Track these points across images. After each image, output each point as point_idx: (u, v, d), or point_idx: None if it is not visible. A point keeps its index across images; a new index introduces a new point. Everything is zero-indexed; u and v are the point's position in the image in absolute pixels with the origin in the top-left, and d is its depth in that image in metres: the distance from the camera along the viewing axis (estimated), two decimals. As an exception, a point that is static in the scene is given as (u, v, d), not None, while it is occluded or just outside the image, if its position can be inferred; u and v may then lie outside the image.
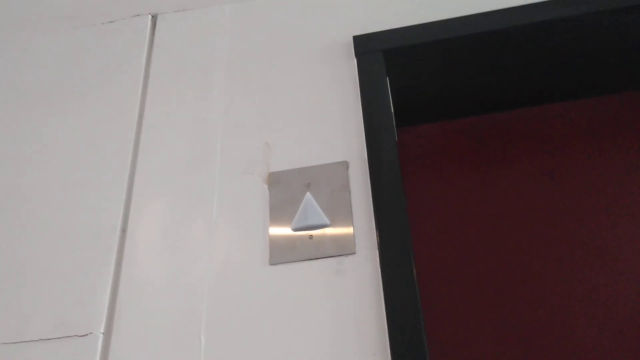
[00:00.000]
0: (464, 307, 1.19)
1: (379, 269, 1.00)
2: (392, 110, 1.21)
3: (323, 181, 1.12)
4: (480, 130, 1.39)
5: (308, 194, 1.11)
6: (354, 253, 1.03)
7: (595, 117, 1.37)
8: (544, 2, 1.24)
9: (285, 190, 1.13)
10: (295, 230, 1.08)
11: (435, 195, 1.33)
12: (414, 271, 0.98)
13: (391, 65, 1.24)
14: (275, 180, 1.14)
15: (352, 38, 1.27)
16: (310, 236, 1.07)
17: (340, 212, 1.08)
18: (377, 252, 1.02)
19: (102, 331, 1.02)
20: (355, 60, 1.25)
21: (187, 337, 1.00)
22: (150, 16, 1.42)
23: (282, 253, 1.06)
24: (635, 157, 1.31)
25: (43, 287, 1.08)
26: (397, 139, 1.27)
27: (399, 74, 1.26)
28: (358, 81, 1.22)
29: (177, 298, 1.04)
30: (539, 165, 1.33)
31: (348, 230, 1.06)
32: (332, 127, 1.19)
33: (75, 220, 1.15)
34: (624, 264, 1.19)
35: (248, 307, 1.02)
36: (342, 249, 1.04)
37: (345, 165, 1.13)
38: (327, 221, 1.07)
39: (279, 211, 1.11)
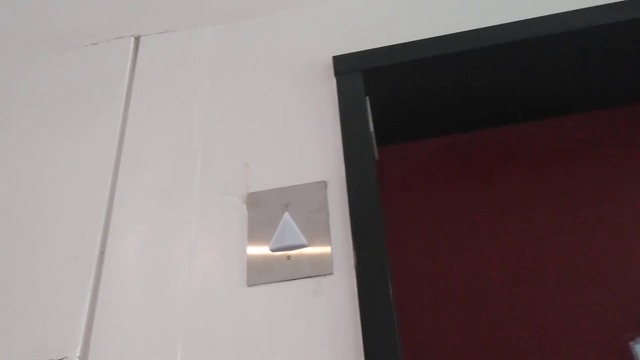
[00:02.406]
0: (442, 328, 1.18)
1: (356, 290, 0.99)
2: (372, 130, 1.21)
3: (301, 201, 1.12)
4: (462, 149, 1.39)
5: (286, 214, 1.11)
6: (332, 273, 1.03)
7: (576, 134, 1.38)
8: (522, 20, 1.25)
9: (264, 211, 1.13)
10: (273, 250, 1.07)
11: (417, 214, 1.33)
12: (391, 292, 0.98)
13: (371, 84, 1.25)
14: (254, 201, 1.14)
15: (331, 58, 1.28)
16: (288, 257, 1.07)
17: (318, 232, 1.08)
18: (354, 272, 1.01)
19: (77, 355, 1.01)
20: (335, 80, 1.26)
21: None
22: (133, 38, 1.43)
23: (259, 274, 1.05)
24: (617, 174, 1.31)
25: (18, 310, 1.08)
26: (377, 158, 1.28)
27: (378, 93, 1.27)
28: (337, 101, 1.23)
29: (154, 321, 1.04)
30: (521, 183, 1.33)
31: (326, 250, 1.06)
32: (311, 147, 1.19)
33: (54, 243, 1.15)
34: (606, 281, 1.19)
35: (225, 329, 1.01)
36: (319, 269, 1.04)
37: (323, 185, 1.13)
38: (305, 241, 1.07)
39: (258, 231, 1.10)
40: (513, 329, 1.17)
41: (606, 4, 1.22)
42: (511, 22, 1.25)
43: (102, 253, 1.13)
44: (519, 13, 1.26)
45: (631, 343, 1.11)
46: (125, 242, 1.14)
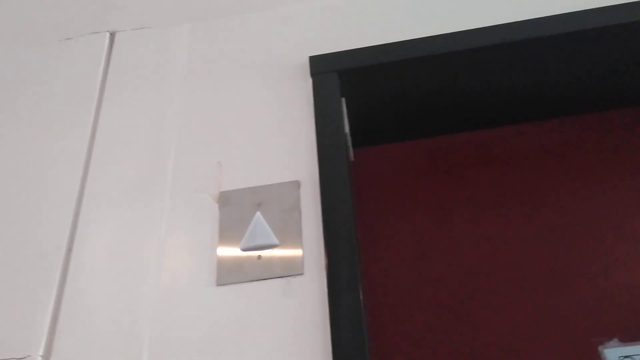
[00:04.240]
0: (414, 331, 1.18)
1: (326, 291, 0.99)
2: (347, 131, 1.21)
3: (274, 201, 1.11)
4: (438, 152, 1.39)
5: (258, 214, 1.09)
6: (302, 274, 1.02)
7: (554, 138, 1.38)
8: (499, 25, 1.26)
9: (235, 210, 1.11)
10: (243, 250, 1.06)
11: (392, 216, 1.33)
12: (361, 293, 0.97)
13: (347, 85, 1.25)
14: (225, 200, 1.13)
15: (308, 58, 1.28)
16: (259, 256, 1.05)
17: (290, 232, 1.07)
18: (325, 273, 1.01)
19: (40, 354, 0.99)
20: (311, 81, 1.25)
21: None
22: (108, 34, 1.41)
23: (229, 273, 1.04)
24: (591, 180, 1.32)
25: (-19, 308, 1.05)
26: (352, 160, 1.28)
27: (355, 94, 1.27)
28: (313, 101, 1.22)
29: (120, 320, 1.02)
30: (495, 187, 1.33)
31: (297, 250, 1.05)
32: (285, 147, 1.18)
33: (20, 239, 1.12)
34: (577, 285, 1.19)
35: (193, 329, 1.00)
36: (290, 269, 1.03)
37: (297, 184, 1.12)
38: (276, 241, 1.06)
39: (229, 231, 1.09)
40: (484, 333, 1.17)
41: (579, 11, 1.23)
42: (487, 27, 1.26)
43: (69, 250, 1.10)
44: (495, 17, 1.27)
45: (600, 347, 1.12)
46: (94, 239, 1.12)
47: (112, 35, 1.42)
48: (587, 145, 1.35)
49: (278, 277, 1.02)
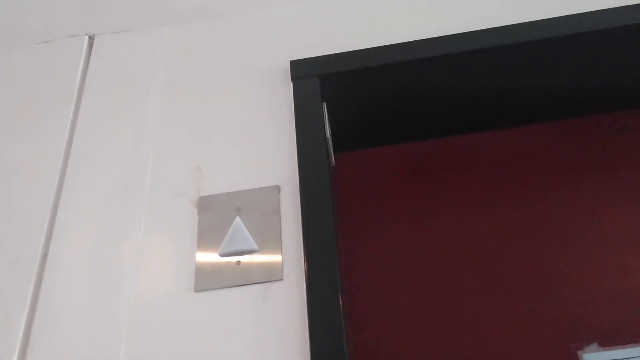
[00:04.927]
0: (394, 336, 1.17)
1: (306, 296, 0.98)
2: (328, 135, 1.20)
3: (254, 206, 1.10)
4: (419, 156, 1.39)
5: (237, 219, 1.08)
6: (281, 279, 1.01)
7: (538, 142, 1.39)
8: (481, 30, 1.26)
9: (215, 215, 1.10)
10: (222, 255, 1.05)
11: (373, 221, 1.32)
12: (340, 299, 0.96)
13: (328, 90, 1.24)
14: (205, 205, 1.12)
15: (289, 63, 1.27)
16: (238, 262, 1.04)
17: (269, 238, 1.06)
18: (304, 279, 1.00)
19: (14, 361, 0.97)
20: (292, 85, 1.25)
21: (103, 367, 0.96)
22: (87, 37, 1.39)
23: (207, 279, 1.03)
24: (573, 184, 1.33)
25: (-48, 315, 1.03)
26: (333, 164, 1.27)
27: (336, 99, 1.26)
28: (293, 106, 1.21)
29: (97, 326, 1.00)
30: (477, 192, 1.33)
31: (276, 256, 1.04)
32: (266, 151, 1.17)
33: (-6, 245, 1.10)
34: (556, 290, 1.19)
35: (170, 336, 0.98)
36: (269, 275, 1.02)
37: (276, 189, 1.12)
38: (256, 246, 1.05)
39: (208, 236, 1.08)
40: (465, 337, 1.16)
41: (566, 16, 1.24)
42: (469, 31, 1.26)
43: (44, 256, 1.09)
44: (479, 22, 1.27)
45: (580, 352, 1.12)
46: (70, 245, 1.10)
47: (91, 38, 1.40)
48: (572, 149, 1.36)
49: (257, 283, 1.01)
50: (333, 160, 1.27)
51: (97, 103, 1.30)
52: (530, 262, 1.23)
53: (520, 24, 1.24)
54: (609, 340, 1.12)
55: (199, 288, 1.02)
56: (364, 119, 1.36)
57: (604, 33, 1.23)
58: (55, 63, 1.36)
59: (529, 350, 1.14)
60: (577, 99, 1.37)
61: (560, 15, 1.23)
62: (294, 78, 1.25)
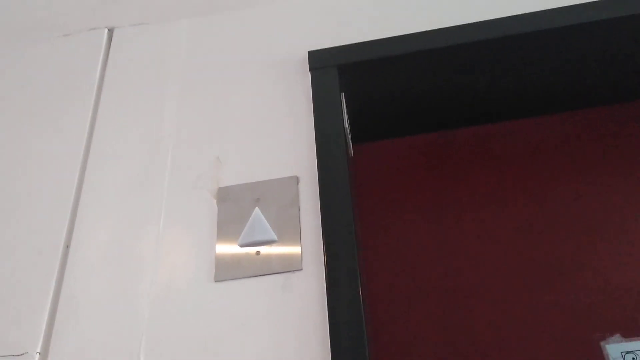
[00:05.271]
0: (413, 326, 1.17)
1: (325, 286, 0.98)
2: (346, 126, 1.20)
3: (273, 196, 1.10)
4: (438, 147, 1.38)
5: (256, 209, 1.09)
6: (301, 269, 1.01)
7: (556, 133, 1.37)
8: (501, 18, 1.24)
9: (234, 206, 1.11)
10: (242, 245, 1.05)
11: (391, 211, 1.32)
12: (360, 289, 0.96)
13: (346, 80, 1.24)
14: (224, 196, 1.12)
15: (307, 53, 1.27)
16: (258, 252, 1.05)
17: (288, 228, 1.06)
18: (323, 269, 1.00)
19: (38, 350, 0.99)
20: (310, 76, 1.24)
21: (124, 357, 0.96)
22: (106, 30, 1.40)
23: (227, 269, 1.03)
24: (593, 174, 1.31)
25: (-22, 305, 1.05)
26: (352, 155, 1.27)
27: (354, 89, 1.26)
28: (312, 96, 1.21)
29: (118, 316, 1.01)
30: (496, 182, 1.32)
31: (295, 246, 1.04)
32: (284, 142, 1.17)
33: (18, 236, 1.12)
34: (578, 281, 1.18)
35: (191, 325, 0.99)
36: (288, 265, 1.02)
37: (295, 180, 1.12)
38: (275, 237, 1.05)
39: (227, 227, 1.08)
40: (485, 329, 1.16)
41: (575, 5, 1.22)
42: (489, 20, 1.25)
43: (67, 247, 1.10)
44: (498, 10, 1.25)
45: (602, 343, 1.11)
46: (92, 236, 1.11)
47: (111, 31, 1.41)
48: (591, 141, 1.34)
49: (277, 273, 1.01)
50: (351, 151, 1.26)
51: (116, 95, 1.31)
52: (550, 254, 1.22)
53: (542, 11, 1.22)
54: (631, 331, 1.11)
55: (219, 278, 1.03)
56: (382, 110, 1.35)
57: (621, 20, 1.20)
58: (75, 56, 1.37)
59: (551, 341, 1.13)
60: (600, 88, 1.35)
61: (582, 2, 1.21)
62: (312, 69, 1.25)
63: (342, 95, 1.22)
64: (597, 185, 1.29)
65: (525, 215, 1.27)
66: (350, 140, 1.25)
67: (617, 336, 1.11)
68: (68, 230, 1.12)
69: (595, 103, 1.36)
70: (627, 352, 1.09)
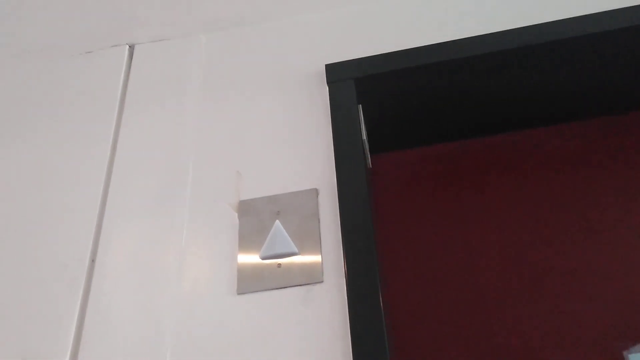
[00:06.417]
0: (433, 336, 1.18)
1: (346, 298, 0.99)
2: (364, 137, 1.21)
3: (293, 209, 1.12)
4: (455, 157, 1.39)
5: (277, 222, 1.10)
6: (322, 282, 1.02)
7: (568, 142, 1.37)
8: (515, 29, 1.25)
9: (255, 219, 1.12)
10: (263, 258, 1.07)
11: (410, 222, 1.33)
12: (381, 300, 0.97)
13: (363, 92, 1.25)
14: (245, 209, 1.14)
15: (324, 66, 1.28)
16: (279, 265, 1.06)
17: (309, 240, 1.08)
18: (344, 280, 1.01)
19: (66, 361, 1.01)
20: (328, 88, 1.26)
21: (151, 368, 0.99)
22: (127, 46, 1.43)
23: (249, 282, 1.05)
24: (611, 183, 1.31)
25: (9, 318, 1.07)
26: (370, 166, 1.28)
27: (371, 101, 1.27)
28: (330, 109, 1.23)
29: (143, 328, 1.03)
30: (513, 191, 1.33)
31: (316, 258, 1.05)
32: (303, 155, 1.19)
33: (45, 250, 1.15)
34: (600, 289, 1.18)
35: (214, 337, 1.01)
36: (310, 277, 1.03)
37: (315, 192, 1.13)
38: (296, 249, 1.07)
39: (248, 239, 1.10)
40: (505, 338, 1.16)
41: (585, 15, 1.22)
42: (504, 30, 1.25)
43: (92, 261, 1.12)
44: (511, 21, 1.26)
45: (625, 352, 1.11)
46: (116, 250, 1.14)
47: (132, 47, 1.44)
48: (607, 149, 1.34)
49: (298, 285, 1.03)
50: (369, 162, 1.28)
51: (138, 110, 1.33)
52: (571, 261, 1.22)
53: (559, 20, 1.23)
54: (654, 341, 1.11)
55: (241, 291, 1.04)
56: (399, 121, 1.36)
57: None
58: (97, 73, 1.40)
59: (572, 349, 1.13)
60: (618, 97, 1.35)
61: (603, 10, 1.22)
62: (330, 82, 1.26)
63: (360, 107, 1.23)
64: (617, 191, 1.28)
65: (545, 223, 1.27)
66: (368, 151, 1.26)
67: (640, 345, 1.10)
68: (94, 245, 1.14)
69: (614, 111, 1.36)
70: (650, 362, 1.08)
